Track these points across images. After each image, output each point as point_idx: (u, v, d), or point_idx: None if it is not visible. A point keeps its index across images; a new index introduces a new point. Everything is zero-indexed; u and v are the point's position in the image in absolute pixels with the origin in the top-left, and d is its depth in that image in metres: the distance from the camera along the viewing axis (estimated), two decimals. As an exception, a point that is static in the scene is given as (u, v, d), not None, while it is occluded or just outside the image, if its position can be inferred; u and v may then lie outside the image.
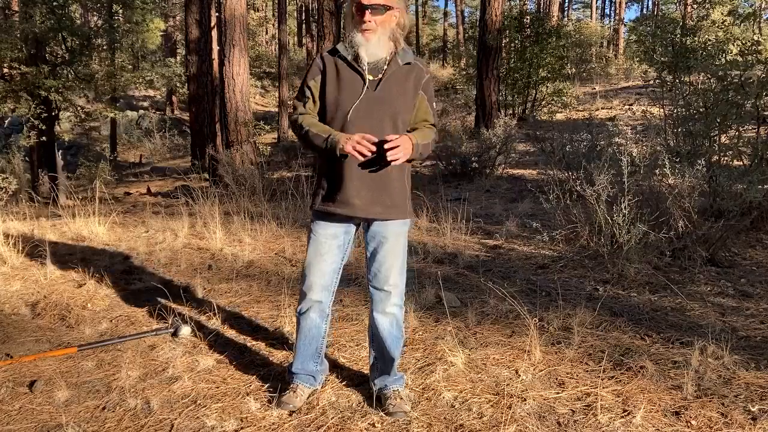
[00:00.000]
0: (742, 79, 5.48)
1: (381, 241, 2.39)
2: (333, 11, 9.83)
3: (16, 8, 11.88)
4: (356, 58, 2.30)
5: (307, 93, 2.37)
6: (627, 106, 14.62)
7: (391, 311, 2.45)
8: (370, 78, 2.29)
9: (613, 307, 3.60)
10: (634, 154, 5.25)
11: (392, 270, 2.41)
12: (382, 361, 2.51)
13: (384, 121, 2.29)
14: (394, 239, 2.38)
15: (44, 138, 10.45)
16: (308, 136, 2.30)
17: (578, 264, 4.51)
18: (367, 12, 2.24)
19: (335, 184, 2.33)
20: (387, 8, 2.27)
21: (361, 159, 2.22)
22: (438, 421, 2.38)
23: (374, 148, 2.20)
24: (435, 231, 5.52)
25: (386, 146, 2.19)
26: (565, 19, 34.07)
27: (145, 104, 25.01)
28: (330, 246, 2.41)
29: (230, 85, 9.81)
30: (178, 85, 22.72)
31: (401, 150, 2.20)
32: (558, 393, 2.59)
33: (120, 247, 5.31)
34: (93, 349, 3.13)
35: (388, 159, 2.20)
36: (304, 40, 34.61)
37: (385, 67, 2.31)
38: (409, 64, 2.34)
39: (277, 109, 21.57)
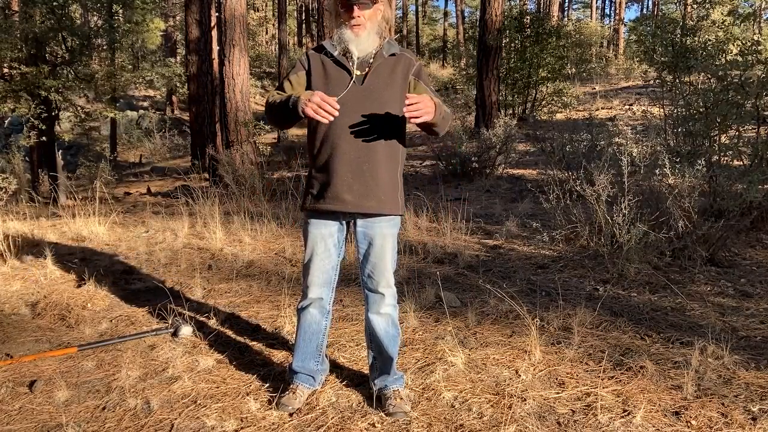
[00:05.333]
0: (742, 79, 5.47)
1: (370, 242, 2.38)
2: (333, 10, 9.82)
3: (16, 8, 11.86)
4: (344, 53, 2.30)
5: (286, 85, 2.36)
6: (627, 106, 14.63)
7: (386, 311, 2.45)
8: (357, 73, 2.29)
9: (613, 307, 3.60)
10: (634, 154, 5.25)
11: (385, 273, 2.41)
12: (381, 361, 2.51)
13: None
14: (382, 240, 2.37)
15: (44, 138, 10.44)
16: (275, 105, 2.27)
17: (578, 264, 4.51)
18: (356, 7, 2.24)
19: (326, 180, 2.32)
20: (374, 2, 2.27)
21: (325, 122, 2.12)
22: (438, 421, 2.38)
23: (337, 106, 2.10)
24: (435, 231, 5.52)
25: (406, 103, 2.10)
26: (565, 19, 34.06)
27: (145, 104, 25.01)
28: (326, 244, 2.41)
29: (230, 85, 9.81)
30: (178, 85, 22.71)
31: (422, 107, 2.11)
32: (558, 393, 2.59)
33: (120, 247, 5.31)
34: (93, 349, 3.13)
35: (408, 116, 2.12)
36: (304, 40, 34.60)
37: (371, 60, 2.31)
38: (394, 55, 2.34)
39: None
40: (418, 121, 2.16)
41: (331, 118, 2.12)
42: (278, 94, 2.35)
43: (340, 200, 2.31)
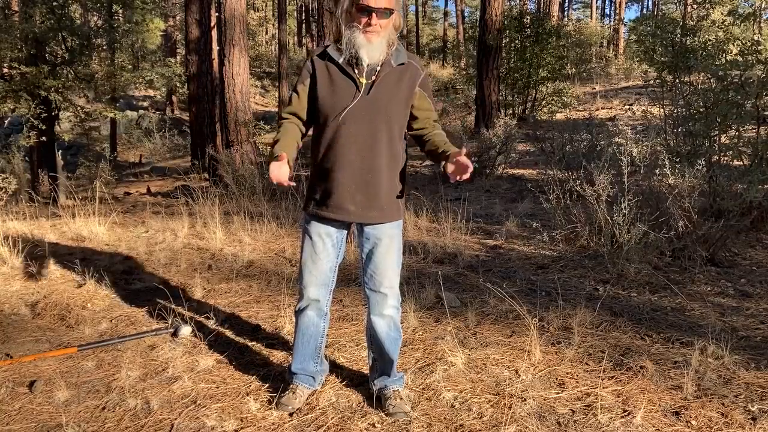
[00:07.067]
0: (742, 79, 5.47)
1: (375, 243, 2.37)
2: (333, 11, 9.83)
3: (16, 8, 11.86)
4: (351, 60, 2.26)
5: (294, 98, 2.37)
6: (627, 106, 14.62)
7: (389, 313, 2.44)
8: (364, 82, 2.26)
9: (613, 307, 3.60)
10: (634, 154, 5.25)
11: (388, 272, 2.40)
12: (382, 362, 2.51)
13: (378, 124, 2.27)
14: (389, 241, 2.37)
15: (44, 138, 10.44)
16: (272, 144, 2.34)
17: (578, 264, 4.51)
18: (374, 15, 2.18)
19: (329, 188, 2.32)
20: (391, 12, 2.22)
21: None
22: (438, 421, 2.38)
23: (290, 184, 2.20)
24: (435, 231, 5.52)
25: (463, 175, 2.13)
26: (565, 19, 34.06)
27: (145, 104, 25.00)
28: (324, 245, 2.41)
29: (230, 85, 9.80)
30: (178, 85, 22.69)
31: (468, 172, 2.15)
32: (558, 393, 2.59)
33: (120, 247, 5.31)
34: (93, 349, 3.13)
35: (461, 178, 2.15)
36: (304, 40, 34.61)
37: (378, 68, 2.27)
38: (402, 64, 2.31)
39: (277, 109, 21.60)
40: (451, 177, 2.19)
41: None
42: (285, 116, 2.38)
43: (344, 210, 2.31)
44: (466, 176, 2.13)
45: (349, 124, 2.25)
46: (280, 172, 2.18)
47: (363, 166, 2.28)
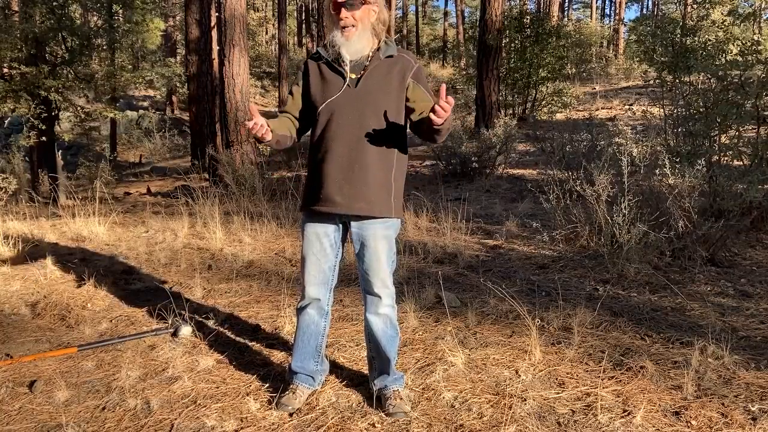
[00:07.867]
0: (742, 79, 5.48)
1: (363, 244, 2.38)
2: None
3: (16, 8, 11.86)
4: (338, 57, 2.31)
5: (288, 98, 2.46)
6: (627, 106, 14.62)
7: (384, 312, 2.44)
8: (352, 76, 2.30)
9: (613, 307, 3.60)
10: (634, 154, 5.25)
11: (379, 274, 2.39)
12: (380, 361, 2.51)
13: (367, 116, 2.28)
14: (374, 242, 2.36)
15: (44, 138, 10.44)
16: None
17: (578, 264, 4.51)
18: (343, 9, 2.25)
19: (318, 182, 2.34)
20: (363, 2, 2.26)
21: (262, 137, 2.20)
22: (438, 421, 2.38)
23: (253, 125, 2.17)
24: (435, 231, 5.52)
25: (442, 107, 2.04)
26: (565, 19, 34.07)
27: (145, 104, 24.99)
28: (322, 245, 2.41)
29: (230, 85, 9.81)
30: (178, 85, 22.72)
31: (448, 116, 2.10)
32: (558, 393, 2.59)
33: (120, 247, 5.31)
34: (93, 349, 3.13)
35: (435, 119, 2.08)
36: (304, 40, 34.63)
37: (367, 63, 2.31)
38: (391, 57, 2.33)
39: (277, 109, 21.59)
40: (438, 124, 2.12)
41: (257, 133, 2.19)
42: (281, 117, 2.46)
43: (332, 202, 2.32)
44: (442, 115, 2.07)
45: (337, 117, 2.29)
46: (254, 122, 2.17)
47: (351, 157, 2.29)
